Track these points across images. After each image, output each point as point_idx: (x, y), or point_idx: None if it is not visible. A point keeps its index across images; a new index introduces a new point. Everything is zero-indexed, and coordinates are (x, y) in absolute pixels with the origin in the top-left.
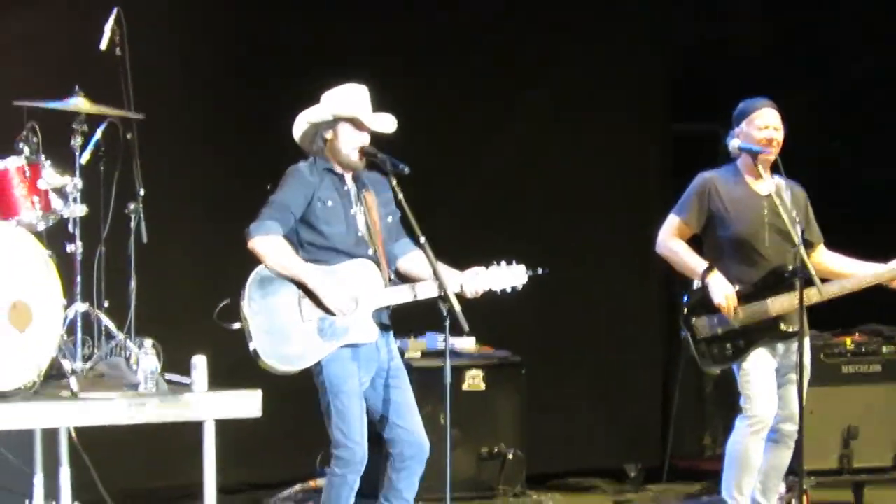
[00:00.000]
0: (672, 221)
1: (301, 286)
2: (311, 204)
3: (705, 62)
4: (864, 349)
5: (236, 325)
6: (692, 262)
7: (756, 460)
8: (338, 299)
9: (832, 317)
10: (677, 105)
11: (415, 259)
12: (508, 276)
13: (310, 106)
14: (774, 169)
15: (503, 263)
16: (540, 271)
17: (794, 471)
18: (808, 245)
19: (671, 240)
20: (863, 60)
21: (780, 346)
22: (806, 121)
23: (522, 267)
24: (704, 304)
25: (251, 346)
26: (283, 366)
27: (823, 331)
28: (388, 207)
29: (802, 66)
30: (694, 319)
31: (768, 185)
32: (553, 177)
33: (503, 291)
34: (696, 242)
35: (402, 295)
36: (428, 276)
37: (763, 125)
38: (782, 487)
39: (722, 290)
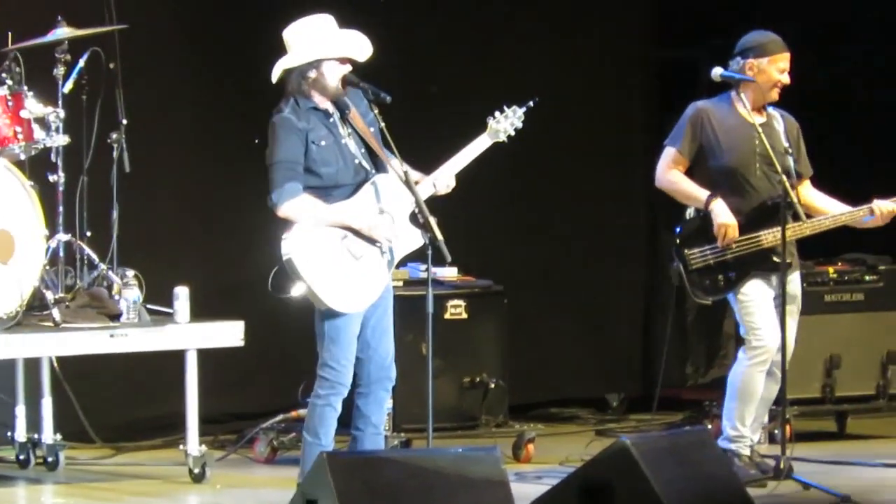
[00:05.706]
0: (668, 153)
1: (342, 228)
2: (307, 150)
3: None
4: (846, 278)
5: (296, 291)
6: (694, 190)
7: (759, 391)
8: (381, 230)
9: (815, 245)
10: (661, 32)
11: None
12: (504, 124)
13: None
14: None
15: (497, 113)
16: (532, 103)
17: (778, 400)
18: (798, 177)
19: (669, 172)
20: None
21: (773, 278)
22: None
23: (514, 107)
24: (698, 234)
25: (323, 305)
26: (361, 306)
27: (806, 259)
28: (366, 118)
29: None
30: (686, 250)
31: (760, 114)
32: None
33: (508, 137)
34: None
35: (425, 188)
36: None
37: (783, 68)
38: (765, 417)
39: (725, 217)
